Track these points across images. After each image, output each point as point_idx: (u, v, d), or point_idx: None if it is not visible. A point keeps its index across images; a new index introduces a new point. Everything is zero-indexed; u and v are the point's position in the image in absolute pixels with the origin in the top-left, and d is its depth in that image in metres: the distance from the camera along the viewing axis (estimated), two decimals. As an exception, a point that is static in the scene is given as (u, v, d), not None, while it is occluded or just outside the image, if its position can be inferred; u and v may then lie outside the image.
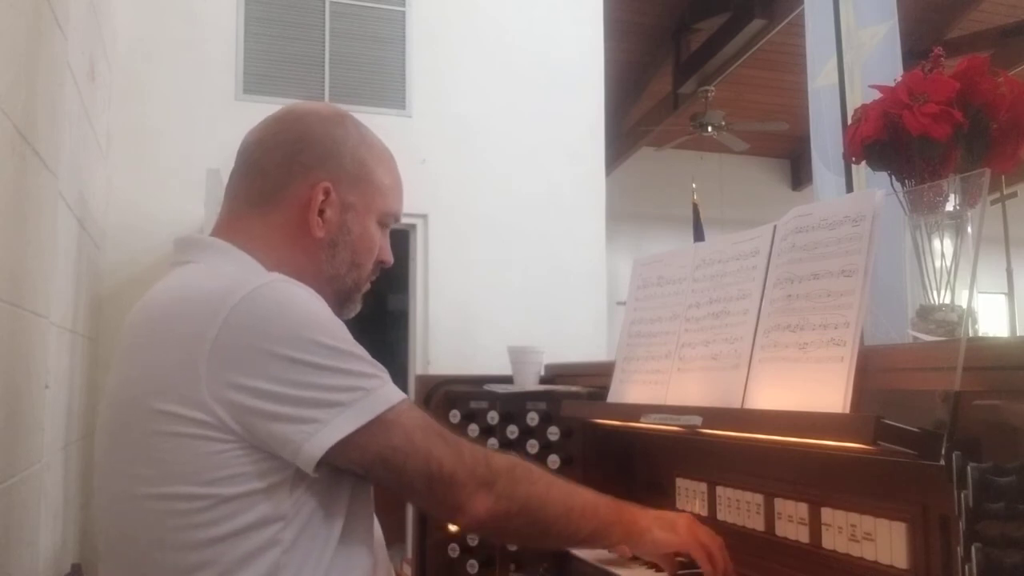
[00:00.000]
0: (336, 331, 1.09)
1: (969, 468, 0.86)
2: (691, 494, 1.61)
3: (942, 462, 0.94)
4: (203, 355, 1.02)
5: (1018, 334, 5.82)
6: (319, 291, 1.23)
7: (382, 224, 1.30)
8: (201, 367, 1.02)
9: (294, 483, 1.05)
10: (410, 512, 2.98)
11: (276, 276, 1.12)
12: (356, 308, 1.32)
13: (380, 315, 6.57)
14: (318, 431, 1.03)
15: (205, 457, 1.02)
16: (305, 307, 1.09)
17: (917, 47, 5.95)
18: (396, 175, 1.32)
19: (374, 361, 1.12)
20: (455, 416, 2.01)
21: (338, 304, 1.27)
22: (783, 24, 6.67)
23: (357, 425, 1.04)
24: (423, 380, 2.15)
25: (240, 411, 1.02)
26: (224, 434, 1.02)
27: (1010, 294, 4.38)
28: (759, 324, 1.40)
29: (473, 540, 1.90)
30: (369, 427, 1.06)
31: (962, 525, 0.86)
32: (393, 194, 1.30)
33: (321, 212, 1.22)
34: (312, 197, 1.21)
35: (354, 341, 1.11)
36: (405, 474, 1.10)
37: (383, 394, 1.09)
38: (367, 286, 1.32)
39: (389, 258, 1.34)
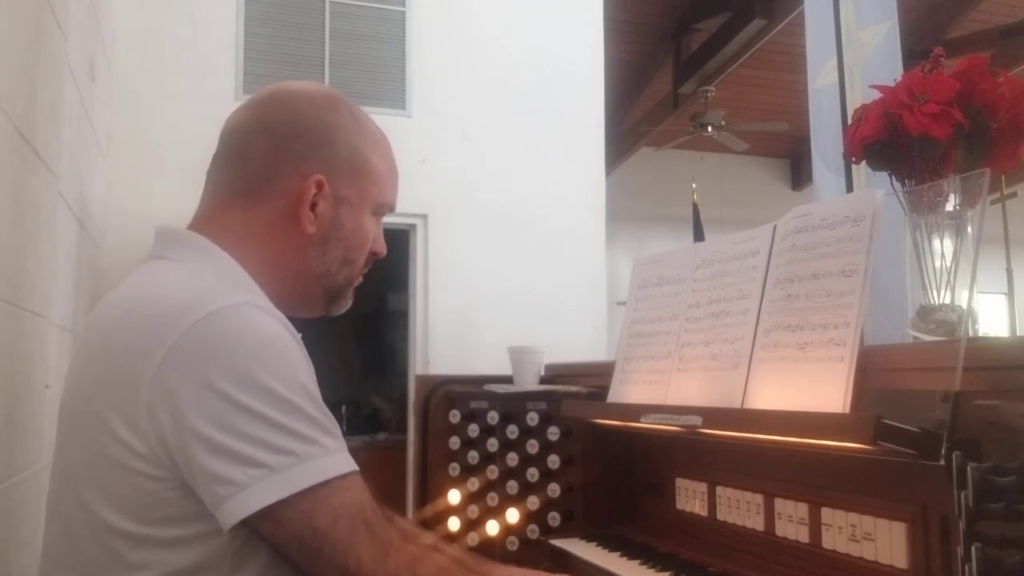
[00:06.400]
0: (292, 378, 0.98)
1: (969, 468, 0.86)
2: (691, 494, 1.61)
3: (942, 462, 0.94)
4: (146, 379, 0.94)
5: (1018, 334, 5.81)
6: (307, 289, 1.17)
7: (377, 215, 1.22)
8: (143, 392, 0.94)
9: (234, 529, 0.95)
10: (411, 510, 2.97)
11: (243, 299, 1.00)
12: (347, 304, 1.25)
13: (380, 315, 6.57)
14: (235, 494, 0.92)
15: (144, 495, 0.95)
16: (265, 341, 0.98)
17: (917, 47, 5.94)
18: (391, 161, 1.23)
19: (327, 422, 1.00)
20: (455, 416, 2.01)
21: (328, 302, 1.22)
22: (783, 24, 6.67)
23: (280, 496, 0.93)
24: (423, 380, 2.15)
25: (173, 447, 0.94)
26: (159, 470, 0.95)
27: (1010, 294, 4.37)
28: (759, 324, 1.39)
29: (474, 540, 1.90)
30: (292, 501, 0.94)
31: (962, 525, 0.86)
32: (389, 183, 1.22)
33: (313, 206, 1.13)
34: (304, 190, 1.12)
35: (310, 394, 1.00)
36: (319, 563, 0.96)
37: (319, 465, 0.96)
38: (359, 280, 1.24)
39: (382, 248, 1.25)
